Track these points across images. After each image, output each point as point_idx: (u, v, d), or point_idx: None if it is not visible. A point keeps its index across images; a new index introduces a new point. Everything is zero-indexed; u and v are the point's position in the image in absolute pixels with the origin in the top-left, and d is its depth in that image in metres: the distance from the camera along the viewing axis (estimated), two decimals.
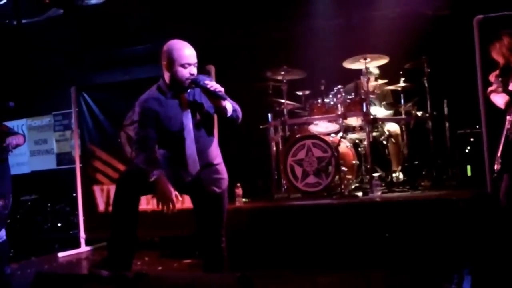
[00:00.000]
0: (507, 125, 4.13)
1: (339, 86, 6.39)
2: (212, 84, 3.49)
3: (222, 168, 3.76)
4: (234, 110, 3.62)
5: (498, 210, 4.22)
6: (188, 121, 3.57)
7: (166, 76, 3.59)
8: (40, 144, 10.05)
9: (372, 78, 6.33)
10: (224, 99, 3.51)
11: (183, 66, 3.51)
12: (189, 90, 3.61)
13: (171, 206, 3.45)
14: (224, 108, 3.54)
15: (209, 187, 3.65)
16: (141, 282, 2.99)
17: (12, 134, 5.41)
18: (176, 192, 3.49)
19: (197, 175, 3.60)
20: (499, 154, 4.18)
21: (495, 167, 4.30)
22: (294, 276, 4.70)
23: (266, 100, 6.69)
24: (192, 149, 3.58)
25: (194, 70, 3.56)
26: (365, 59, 6.18)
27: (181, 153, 3.57)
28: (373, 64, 6.35)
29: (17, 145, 5.40)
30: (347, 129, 6.40)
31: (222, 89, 3.49)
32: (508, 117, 4.21)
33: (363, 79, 6.21)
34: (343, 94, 6.25)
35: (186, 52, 3.54)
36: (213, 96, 3.49)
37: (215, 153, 3.73)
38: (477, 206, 4.99)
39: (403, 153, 6.41)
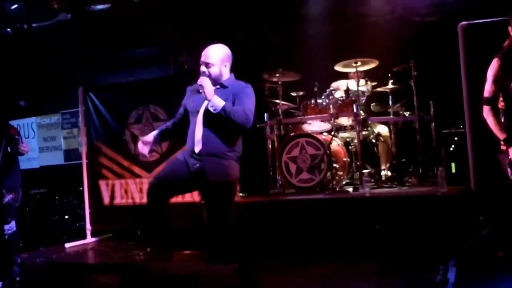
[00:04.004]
0: None
1: (331, 88, 6.40)
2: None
3: (228, 162, 3.78)
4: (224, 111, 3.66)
5: (481, 205, 4.21)
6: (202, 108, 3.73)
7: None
8: (49, 141, 10.01)
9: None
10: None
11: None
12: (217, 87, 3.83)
13: None
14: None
15: (211, 177, 3.69)
16: (145, 271, 2.98)
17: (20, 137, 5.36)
18: None
19: (202, 164, 3.67)
20: None
21: None
22: (289, 267, 4.70)
23: (263, 100, 6.67)
24: (199, 133, 3.70)
25: (203, 68, 3.85)
26: (356, 62, 6.18)
27: (192, 135, 3.73)
28: (363, 67, 6.35)
29: (22, 153, 5.33)
30: (339, 128, 6.39)
31: (203, 86, 3.67)
32: None
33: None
34: (335, 95, 6.26)
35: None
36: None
37: (224, 149, 3.75)
38: (461, 201, 5.00)
39: (391, 151, 6.39)
